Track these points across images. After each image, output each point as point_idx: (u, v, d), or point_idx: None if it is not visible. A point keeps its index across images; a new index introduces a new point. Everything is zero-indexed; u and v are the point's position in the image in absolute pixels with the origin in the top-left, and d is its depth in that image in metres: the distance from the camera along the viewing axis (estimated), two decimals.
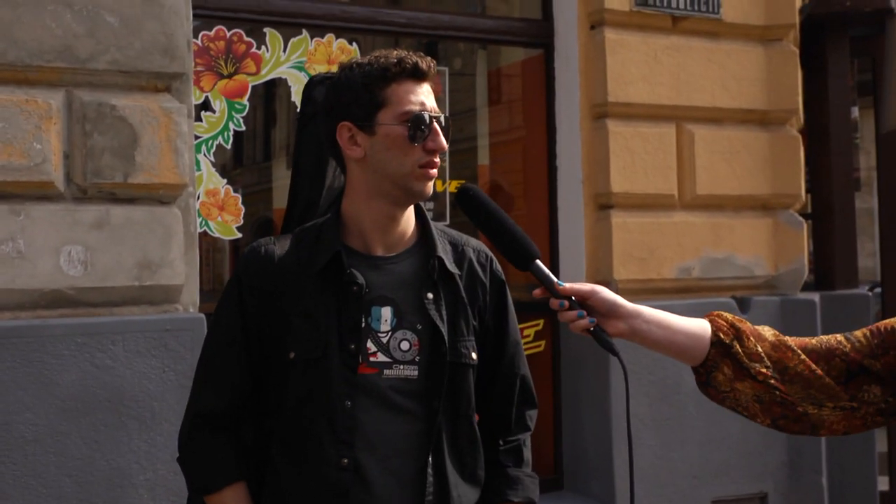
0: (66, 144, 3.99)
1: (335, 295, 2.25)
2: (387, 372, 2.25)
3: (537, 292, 2.12)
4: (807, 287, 6.08)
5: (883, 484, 6.25)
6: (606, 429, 5.23)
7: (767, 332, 2.09)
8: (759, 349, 2.04)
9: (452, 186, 5.21)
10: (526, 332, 5.46)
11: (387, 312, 2.27)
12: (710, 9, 5.57)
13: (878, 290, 7.14)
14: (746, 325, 2.09)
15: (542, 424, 5.62)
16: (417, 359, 2.26)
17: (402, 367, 2.25)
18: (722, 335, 2.07)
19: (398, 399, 2.25)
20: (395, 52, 2.26)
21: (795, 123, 5.93)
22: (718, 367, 2.07)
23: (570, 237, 5.49)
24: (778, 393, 2.03)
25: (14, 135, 3.87)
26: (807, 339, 2.09)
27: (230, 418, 2.32)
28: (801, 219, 5.89)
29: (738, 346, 2.05)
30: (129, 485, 3.98)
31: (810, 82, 6.26)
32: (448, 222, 5.15)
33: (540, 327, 5.48)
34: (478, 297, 2.37)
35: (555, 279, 2.10)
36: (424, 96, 2.25)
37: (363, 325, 2.24)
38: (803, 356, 2.03)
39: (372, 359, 2.24)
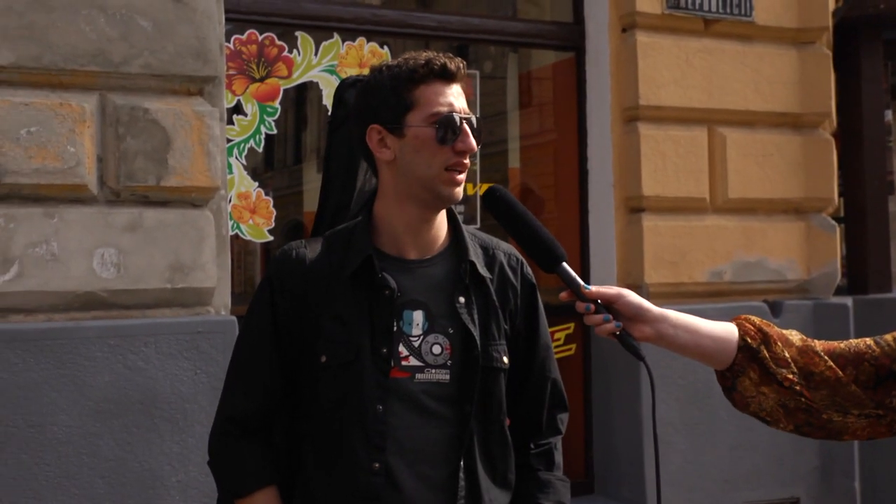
0: (99, 148, 4.02)
1: (367, 298, 2.23)
2: (419, 376, 2.24)
3: (563, 295, 2.10)
4: (839, 291, 6.03)
5: None
6: (637, 432, 5.21)
7: (795, 336, 2.06)
8: (787, 354, 2.01)
9: (483, 189, 5.21)
10: (556, 336, 5.44)
11: (419, 316, 2.26)
12: (743, 11, 5.54)
13: None
14: (774, 330, 2.06)
15: (572, 428, 5.60)
16: (449, 363, 2.25)
17: (433, 370, 2.24)
18: (749, 339, 2.03)
19: (430, 403, 2.24)
20: (424, 54, 2.25)
21: (828, 127, 5.89)
22: (745, 372, 2.03)
23: (600, 241, 5.48)
24: (803, 399, 1.99)
25: (48, 138, 3.90)
26: (835, 343, 2.05)
27: (261, 421, 2.31)
28: (833, 222, 5.85)
29: (765, 351, 2.02)
30: (161, 486, 4.00)
31: (843, 85, 6.21)
32: (479, 225, 5.15)
33: (570, 331, 5.47)
34: (509, 301, 2.36)
35: (581, 282, 2.08)
36: (454, 97, 2.23)
37: (395, 329, 2.23)
38: (830, 362, 2.00)
39: (404, 363, 2.23)
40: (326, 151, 2.51)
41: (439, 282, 2.28)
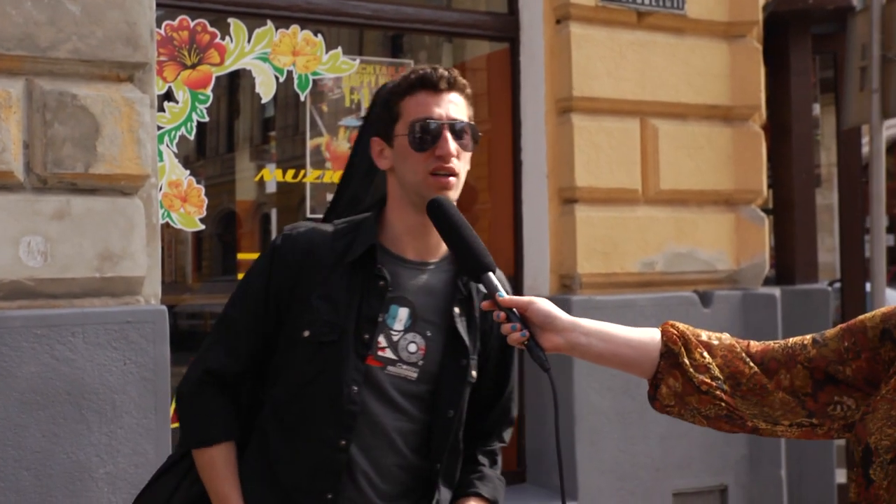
0: (25, 134, 3.94)
1: (360, 285, 2.34)
2: (390, 368, 2.36)
3: (484, 304, 2.13)
4: (768, 281, 6.14)
5: (841, 476, 6.31)
6: (569, 423, 5.25)
7: (725, 341, 1.98)
8: (708, 361, 1.93)
9: None
10: None
11: (404, 313, 2.38)
12: (675, 5, 5.59)
13: (838, 285, 7.22)
14: (698, 336, 1.98)
15: None
16: (420, 363, 2.38)
17: (404, 366, 2.36)
18: (671, 345, 1.96)
19: (395, 396, 2.36)
20: (418, 67, 2.39)
21: (758, 119, 5.98)
22: (664, 380, 1.96)
23: (534, 231, 5.50)
24: (724, 405, 1.92)
25: None
26: (772, 344, 1.95)
27: (236, 379, 2.42)
28: (762, 214, 5.94)
29: (685, 357, 1.94)
30: (88, 478, 3.94)
31: (773, 79, 6.30)
32: None
33: None
34: (486, 320, 2.47)
35: (500, 290, 2.09)
36: (437, 105, 2.34)
37: (380, 319, 2.34)
38: (756, 369, 1.90)
39: (380, 353, 2.35)
40: (355, 145, 2.63)
41: (433, 287, 2.41)
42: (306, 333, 2.32)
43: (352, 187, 2.59)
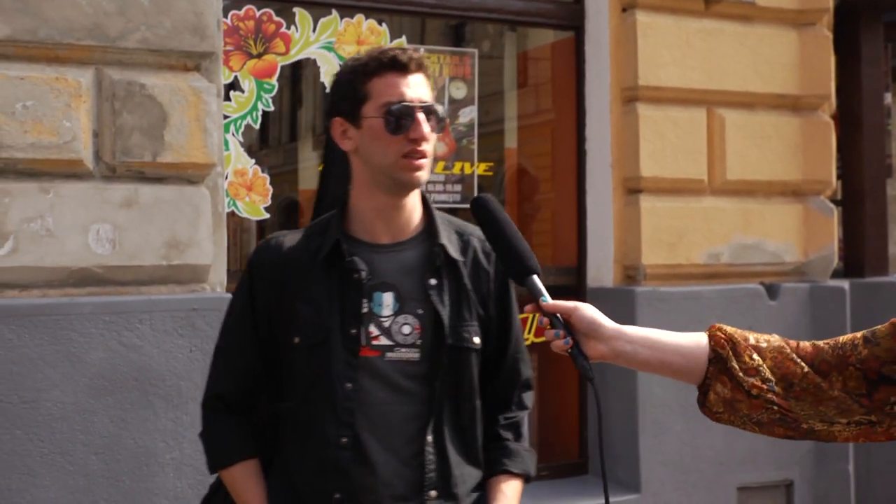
0: (95, 123, 4.00)
1: (338, 282, 2.36)
2: (389, 355, 2.36)
3: (529, 308, 2.03)
4: (836, 274, 6.03)
5: None
6: (633, 415, 5.21)
7: (772, 345, 1.88)
8: (758, 363, 1.85)
9: (481, 169, 5.19)
10: None
11: (389, 298, 2.38)
12: None
13: None
14: (746, 338, 1.89)
15: (568, 410, 5.62)
16: (419, 342, 2.36)
17: (403, 350, 2.36)
18: (719, 350, 1.87)
19: (401, 381, 2.35)
20: (381, 47, 2.38)
21: (827, 109, 5.87)
22: (712, 385, 1.87)
23: (598, 221, 5.46)
24: (776, 408, 1.83)
25: (44, 113, 3.87)
26: (821, 345, 1.86)
27: (242, 399, 2.49)
28: (831, 205, 5.84)
29: (733, 361, 1.86)
30: (155, 463, 3.99)
31: (843, 67, 6.19)
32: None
33: None
34: (481, 285, 2.47)
35: (544, 294, 1.99)
36: (407, 87, 2.33)
37: (366, 310, 2.36)
38: (808, 370, 1.82)
39: (374, 342, 2.35)
40: (325, 148, 2.61)
41: (411, 265, 2.40)
42: (297, 340, 2.36)
43: (331, 189, 2.57)
